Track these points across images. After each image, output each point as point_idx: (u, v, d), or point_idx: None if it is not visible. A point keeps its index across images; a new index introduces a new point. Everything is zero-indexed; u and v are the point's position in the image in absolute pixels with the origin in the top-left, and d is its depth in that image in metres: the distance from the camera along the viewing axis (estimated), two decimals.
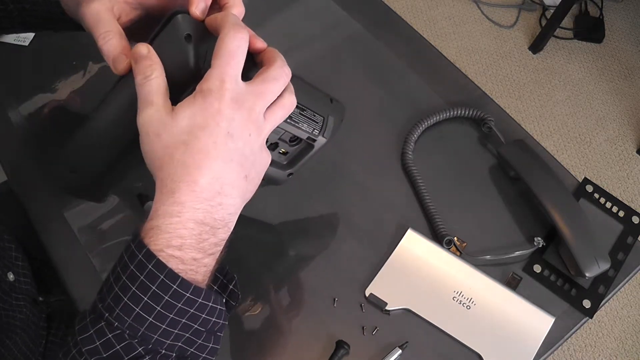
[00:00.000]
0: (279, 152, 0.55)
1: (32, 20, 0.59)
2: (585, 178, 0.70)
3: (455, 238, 0.64)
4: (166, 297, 0.37)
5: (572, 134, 1.70)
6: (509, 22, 1.90)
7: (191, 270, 0.38)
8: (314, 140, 0.53)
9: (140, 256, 0.37)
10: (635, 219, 0.67)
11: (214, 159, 0.38)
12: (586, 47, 1.85)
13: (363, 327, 0.61)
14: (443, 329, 0.60)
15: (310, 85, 0.52)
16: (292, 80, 0.44)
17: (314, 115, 0.52)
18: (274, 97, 0.42)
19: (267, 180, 0.54)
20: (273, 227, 0.68)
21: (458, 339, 0.60)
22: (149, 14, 0.50)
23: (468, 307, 0.61)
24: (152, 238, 0.37)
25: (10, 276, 0.65)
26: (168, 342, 0.39)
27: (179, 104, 0.39)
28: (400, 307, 0.61)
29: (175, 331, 0.38)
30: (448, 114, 0.72)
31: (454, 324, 0.60)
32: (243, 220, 0.69)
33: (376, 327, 0.60)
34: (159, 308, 0.37)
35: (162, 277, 0.37)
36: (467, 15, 1.91)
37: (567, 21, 1.85)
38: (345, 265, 0.64)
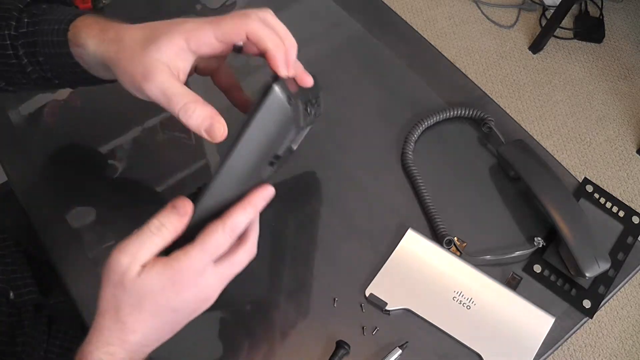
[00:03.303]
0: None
1: (49, 75, 0.54)
2: (585, 178, 0.70)
3: (455, 238, 0.64)
4: None
5: (572, 134, 1.70)
6: (509, 22, 1.90)
7: None
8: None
9: None
10: (635, 219, 0.67)
11: (150, 327, 0.43)
12: (586, 47, 1.85)
13: (363, 327, 0.61)
14: (443, 329, 0.60)
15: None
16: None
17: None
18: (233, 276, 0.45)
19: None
20: (273, 227, 0.67)
21: (458, 339, 0.60)
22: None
23: (468, 307, 0.61)
24: None
25: (11, 294, 0.66)
26: None
27: (151, 268, 0.41)
28: (400, 307, 0.61)
29: None
30: (448, 114, 0.72)
31: (454, 324, 0.60)
32: None
33: (376, 327, 0.60)
34: None
35: None
36: (467, 15, 1.91)
37: (567, 21, 1.85)
38: (345, 265, 0.64)
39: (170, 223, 0.42)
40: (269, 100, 0.43)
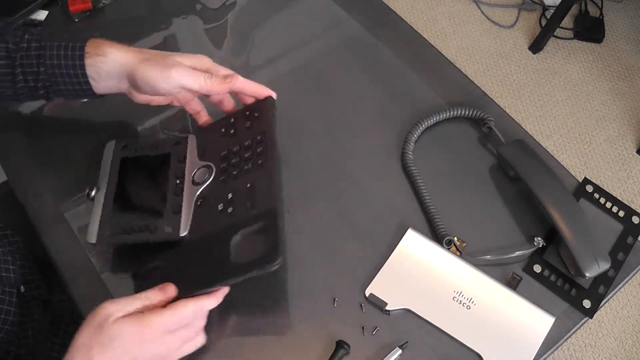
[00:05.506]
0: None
1: (39, 85, 0.62)
2: (585, 178, 0.70)
3: (455, 238, 0.64)
4: None
5: (572, 134, 1.70)
6: (509, 22, 1.90)
7: None
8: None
9: None
10: (635, 219, 0.67)
11: None
12: (586, 47, 1.85)
13: (363, 327, 0.61)
14: (443, 329, 0.60)
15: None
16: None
17: None
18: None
19: None
20: None
21: (458, 339, 0.60)
22: None
23: (468, 307, 0.61)
24: None
25: (22, 288, 0.67)
26: None
27: (126, 318, 0.49)
28: (400, 307, 0.61)
29: None
30: (448, 114, 0.72)
31: (454, 324, 0.60)
32: None
33: (376, 327, 0.60)
34: None
35: None
36: (467, 15, 1.91)
37: (567, 21, 1.85)
38: (345, 265, 0.64)
39: (155, 298, 0.52)
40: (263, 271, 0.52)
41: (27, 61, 0.61)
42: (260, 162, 0.60)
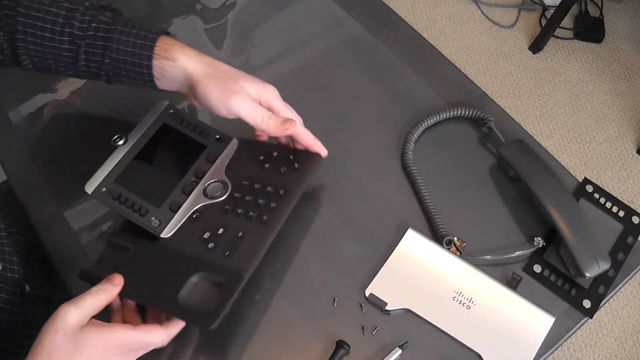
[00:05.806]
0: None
1: (101, 72, 0.61)
2: (585, 178, 0.70)
3: (455, 238, 0.64)
4: None
5: (572, 134, 1.70)
6: (509, 22, 1.90)
7: None
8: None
9: None
10: (635, 219, 0.67)
11: None
12: (586, 47, 1.85)
13: (363, 327, 0.61)
14: (443, 329, 0.60)
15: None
16: None
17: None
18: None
19: None
20: None
21: (458, 339, 0.60)
22: None
23: (468, 307, 0.61)
24: None
25: (27, 287, 0.67)
26: None
27: (94, 325, 0.49)
28: (400, 307, 0.61)
29: None
30: (448, 114, 0.72)
31: (454, 324, 0.60)
32: None
33: (376, 327, 0.60)
34: None
35: None
36: (467, 15, 1.91)
37: (567, 21, 1.85)
38: (345, 265, 0.64)
39: (106, 289, 0.52)
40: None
41: (92, 50, 0.59)
42: (265, 218, 0.57)
